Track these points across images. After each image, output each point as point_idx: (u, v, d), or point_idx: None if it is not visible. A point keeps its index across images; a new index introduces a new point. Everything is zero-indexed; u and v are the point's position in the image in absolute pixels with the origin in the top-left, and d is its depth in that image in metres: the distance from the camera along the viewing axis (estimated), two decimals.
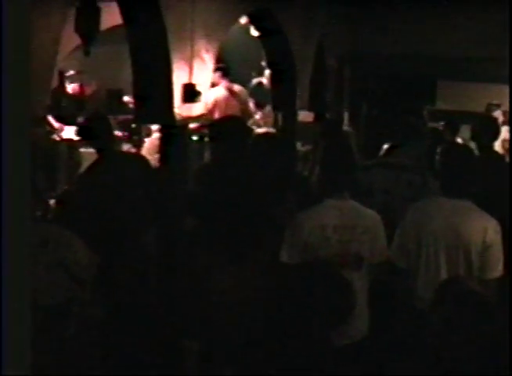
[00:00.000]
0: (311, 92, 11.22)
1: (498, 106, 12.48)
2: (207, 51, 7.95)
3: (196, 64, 7.70)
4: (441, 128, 8.92)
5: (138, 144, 9.20)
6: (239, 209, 4.90)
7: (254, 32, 9.83)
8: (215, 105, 9.55)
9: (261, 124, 10.37)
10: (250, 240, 4.92)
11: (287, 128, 10.19)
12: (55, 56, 5.89)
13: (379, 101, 14.01)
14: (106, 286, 4.97)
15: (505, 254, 4.52)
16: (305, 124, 10.43)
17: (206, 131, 7.66)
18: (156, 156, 7.50)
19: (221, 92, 9.81)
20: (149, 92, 7.20)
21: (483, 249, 4.46)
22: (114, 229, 5.65)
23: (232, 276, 4.79)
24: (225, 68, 9.88)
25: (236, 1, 8.61)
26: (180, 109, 7.38)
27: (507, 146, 10.07)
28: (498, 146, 8.76)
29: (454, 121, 9.14)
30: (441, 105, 14.22)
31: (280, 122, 10.37)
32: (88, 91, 10.61)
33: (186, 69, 7.52)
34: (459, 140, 8.75)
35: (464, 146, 5.40)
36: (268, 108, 10.64)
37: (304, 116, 10.86)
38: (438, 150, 4.82)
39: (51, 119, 8.93)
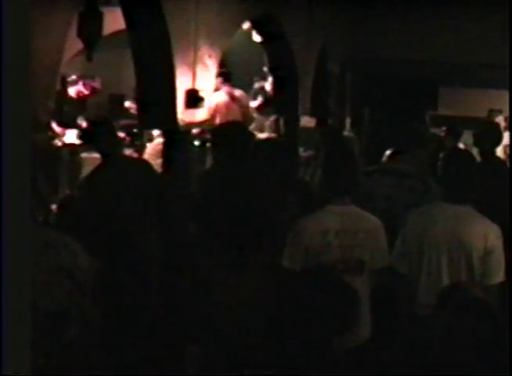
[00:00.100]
0: (313, 97, 11.23)
1: (500, 111, 12.50)
2: (210, 56, 7.97)
3: (199, 70, 7.71)
4: (443, 133, 8.92)
5: (140, 149, 9.20)
6: (241, 214, 4.90)
7: (257, 37, 9.85)
8: (216, 110, 9.56)
9: (263, 128, 10.39)
10: (251, 246, 4.92)
11: (289, 133, 10.20)
12: (59, 61, 5.89)
13: (381, 107, 14.01)
14: (108, 291, 4.97)
15: (506, 260, 4.52)
16: (307, 129, 10.44)
17: (208, 136, 7.66)
18: (158, 161, 7.50)
19: (222, 97, 9.82)
20: (152, 98, 7.20)
21: (484, 255, 4.46)
22: (118, 234, 5.66)
23: (234, 281, 4.79)
24: (226, 73, 9.89)
25: (239, 6, 8.62)
26: (183, 114, 7.39)
27: (509, 152, 10.08)
28: (500, 151, 8.76)
29: (456, 126, 9.14)
30: (443, 111, 14.23)
31: (282, 127, 10.38)
32: (96, 86, 10.55)
33: (189, 74, 7.53)
34: (462, 146, 8.74)
35: (466, 152, 5.40)
36: (271, 113, 10.66)
37: (306, 121, 10.87)
38: (440, 155, 4.83)
39: (54, 124, 8.94)
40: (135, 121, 8.70)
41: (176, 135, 7.35)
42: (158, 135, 8.65)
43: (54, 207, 6.23)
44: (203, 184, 5.43)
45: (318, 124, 10.92)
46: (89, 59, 7.03)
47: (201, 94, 7.60)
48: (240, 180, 5.04)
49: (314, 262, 4.39)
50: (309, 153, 8.87)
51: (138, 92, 7.39)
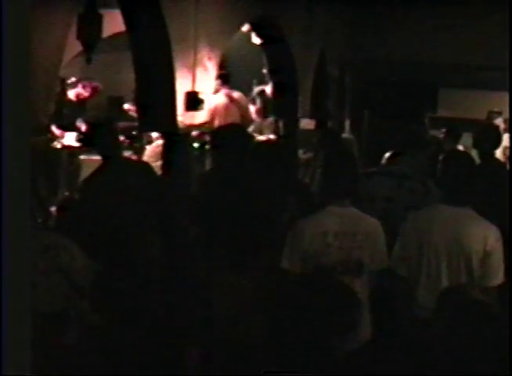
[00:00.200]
0: (312, 100, 11.23)
1: (499, 113, 12.50)
2: (210, 59, 7.97)
3: (199, 72, 7.72)
4: (442, 135, 8.92)
5: (140, 151, 9.20)
6: (241, 216, 4.90)
7: (256, 39, 9.85)
8: (215, 112, 9.56)
9: (262, 130, 10.38)
10: (251, 247, 4.92)
11: (289, 135, 10.20)
12: (59, 64, 5.89)
13: (380, 108, 14.00)
14: (108, 293, 4.97)
15: (506, 262, 4.52)
16: (307, 131, 10.44)
17: (207, 138, 7.66)
18: (157, 163, 7.50)
19: (221, 99, 9.82)
20: (152, 100, 7.20)
21: (484, 256, 4.46)
22: (118, 236, 5.65)
23: (234, 283, 4.79)
24: (225, 75, 9.89)
25: (238, 8, 8.63)
26: (183, 117, 7.39)
27: (508, 153, 10.07)
28: (499, 153, 8.76)
29: (456, 128, 9.14)
30: (442, 112, 14.23)
31: (282, 129, 10.38)
32: (96, 88, 10.55)
33: (189, 77, 7.54)
34: (461, 148, 8.75)
35: (465, 154, 5.40)
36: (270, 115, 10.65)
37: (306, 123, 10.87)
38: (440, 157, 4.83)
39: (53, 126, 8.94)
40: (135, 123, 8.71)
41: (176, 138, 7.35)
42: (157, 138, 8.66)
43: (53, 209, 6.23)
44: (203, 186, 5.43)
45: (317, 126, 10.92)
46: (89, 61, 7.04)
47: (201, 96, 7.60)
48: (240, 182, 5.04)
49: (313, 264, 4.39)
50: (309, 155, 8.89)
51: (138, 94, 7.40)
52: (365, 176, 5.81)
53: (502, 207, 5.64)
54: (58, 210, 6.16)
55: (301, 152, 9.55)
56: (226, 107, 9.77)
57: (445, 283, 4.43)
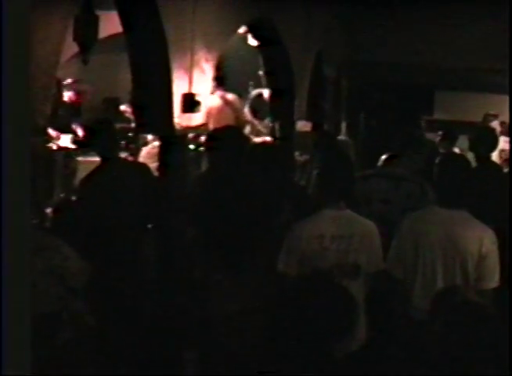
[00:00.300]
0: (309, 102, 11.23)
1: (495, 116, 12.51)
2: (207, 61, 7.96)
3: (196, 74, 7.71)
4: (438, 138, 8.93)
5: (135, 153, 9.19)
6: (237, 218, 4.90)
7: (253, 41, 9.84)
8: (210, 114, 9.55)
9: (259, 132, 10.38)
10: (247, 249, 4.92)
11: (285, 137, 10.19)
12: (57, 65, 5.88)
13: (377, 111, 14.02)
14: (102, 294, 4.97)
15: (502, 265, 4.52)
16: (303, 133, 10.43)
17: (203, 140, 7.65)
18: (153, 165, 7.49)
19: (215, 101, 9.80)
20: (149, 102, 7.19)
21: (479, 259, 4.46)
22: (115, 237, 5.65)
23: (230, 286, 4.79)
24: (220, 77, 9.88)
25: (235, 11, 8.62)
26: (179, 118, 7.38)
27: (505, 156, 10.09)
28: (495, 156, 8.77)
29: (452, 131, 9.15)
30: (439, 115, 14.24)
31: (278, 131, 10.37)
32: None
33: (186, 78, 7.53)
34: (457, 150, 8.75)
35: (461, 157, 5.41)
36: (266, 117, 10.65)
37: (302, 125, 10.87)
38: (436, 160, 4.83)
39: (49, 128, 8.94)
40: (131, 125, 8.70)
41: (172, 139, 7.34)
42: (153, 139, 8.64)
43: (49, 210, 6.21)
44: (199, 188, 5.43)
45: (314, 128, 10.91)
46: (85, 62, 7.03)
47: (198, 98, 7.59)
48: (236, 184, 5.03)
49: (310, 267, 4.39)
50: (305, 157, 8.88)
51: (134, 95, 7.38)
52: (362, 178, 5.81)
53: (499, 210, 5.64)
54: (54, 211, 6.14)
55: (297, 154, 9.54)
56: (221, 109, 9.76)
57: (440, 285, 4.43)
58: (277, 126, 10.39)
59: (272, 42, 9.80)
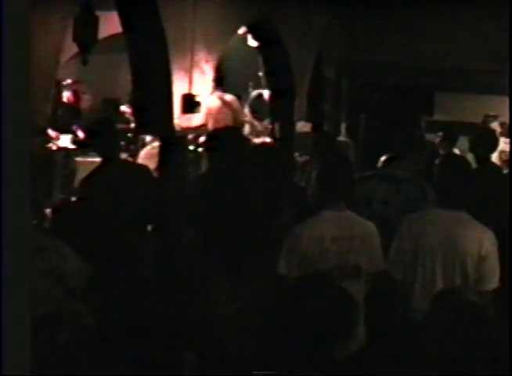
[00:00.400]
0: (309, 103, 11.22)
1: (495, 117, 12.51)
2: (207, 61, 7.95)
3: (196, 74, 7.70)
4: (438, 139, 8.93)
5: (134, 154, 9.19)
6: (236, 219, 4.90)
7: (253, 42, 9.84)
8: (208, 114, 9.55)
9: (259, 133, 10.37)
10: (247, 250, 4.92)
11: (285, 138, 10.19)
12: (57, 66, 5.88)
13: (377, 112, 14.02)
14: (102, 295, 4.96)
15: (501, 266, 4.52)
16: (303, 134, 10.43)
17: (203, 141, 7.65)
18: (152, 166, 7.48)
19: (214, 101, 9.80)
20: (149, 103, 7.19)
21: (479, 260, 4.46)
22: (115, 238, 5.65)
23: (230, 288, 4.78)
24: (219, 78, 9.87)
25: (235, 11, 8.62)
26: (179, 119, 7.37)
27: (504, 157, 10.08)
28: (495, 157, 8.77)
29: (452, 132, 9.14)
30: (439, 116, 14.23)
31: (277, 132, 10.37)
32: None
33: (186, 79, 7.52)
34: (457, 151, 8.75)
35: (461, 158, 5.41)
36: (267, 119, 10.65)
37: (302, 126, 10.86)
38: (436, 161, 4.83)
39: (48, 129, 8.94)
40: (130, 126, 8.69)
41: (172, 140, 7.33)
42: (152, 140, 8.63)
43: (48, 211, 6.21)
44: (199, 189, 5.43)
45: (313, 129, 10.91)
46: (84, 63, 7.02)
47: (198, 99, 7.59)
48: (235, 185, 5.03)
49: (311, 269, 4.38)
50: (305, 158, 8.88)
51: (134, 96, 7.37)
52: (362, 179, 5.81)
53: (499, 211, 5.64)
54: (53, 212, 6.14)
55: (296, 155, 9.54)
56: (219, 110, 9.76)
57: (440, 286, 4.43)
58: (277, 127, 10.39)
59: (271, 43, 9.79)
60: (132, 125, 8.16)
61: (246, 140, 6.19)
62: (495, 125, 11.85)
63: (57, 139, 9.13)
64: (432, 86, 14.39)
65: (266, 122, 10.64)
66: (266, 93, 10.41)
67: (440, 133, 8.94)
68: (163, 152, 7.33)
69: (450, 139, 8.86)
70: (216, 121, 9.27)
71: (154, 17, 6.88)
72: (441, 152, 8.18)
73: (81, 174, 7.03)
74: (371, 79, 13.62)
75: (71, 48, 7.35)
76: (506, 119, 11.69)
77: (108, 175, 5.86)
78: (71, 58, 8.97)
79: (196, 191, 5.45)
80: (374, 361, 4.30)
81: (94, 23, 6.96)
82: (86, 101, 10.85)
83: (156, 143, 7.85)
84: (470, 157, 6.30)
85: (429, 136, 9.86)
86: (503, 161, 9.80)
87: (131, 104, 8.17)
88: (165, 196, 6.34)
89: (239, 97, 10.32)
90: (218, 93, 9.87)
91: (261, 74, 10.36)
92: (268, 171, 5.32)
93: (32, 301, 3.31)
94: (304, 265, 4.43)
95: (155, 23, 6.91)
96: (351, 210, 4.67)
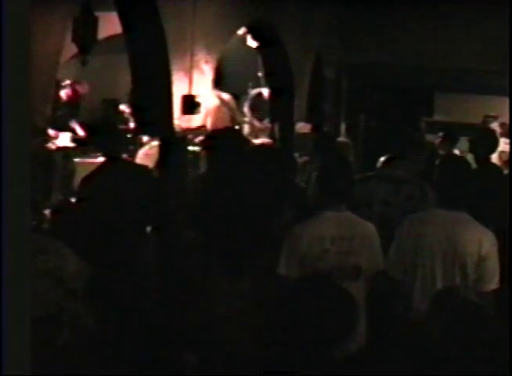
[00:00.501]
0: (308, 103, 11.23)
1: (495, 118, 12.52)
2: (207, 62, 7.96)
3: (196, 75, 7.71)
4: (438, 140, 8.93)
5: (133, 154, 9.19)
6: (236, 220, 4.89)
7: (252, 43, 9.84)
8: (207, 114, 9.55)
9: (258, 134, 10.37)
10: (247, 251, 4.91)
11: (284, 138, 10.19)
12: (57, 66, 5.88)
13: (377, 112, 14.03)
14: (102, 296, 4.96)
15: (502, 266, 4.51)
16: (302, 134, 10.43)
17: (202, 141, 7.64)
18: (151, 166, 7.48)
19: (212, 100, 9.80)
20: (148, 103, 7.19)
21: (479, 261, 4.45)
22: (115, 238, 5.64)
23: (230, 289, 4.78)
24: (217, 77, 9.87)
25: (235, 12, 8.62)
26: (179, 120, 7.38)
27: (505, 158, 10.08)
28: (495, 157, 8.77)
29: (452, 132, 9.14)
30: (438, 117, 14.24)
31: (277, 133, 10.37)
32: (82, 91, 10.58)
33: (186, 80, 7.53)
34: (457, 152, 8.75)
35: (461, 158, 5.41)
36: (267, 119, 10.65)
37: (301, 127, 10.87)
38: (436, 162, 4.83)
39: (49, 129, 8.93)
40: (129, 126, 8.69)
41: (172, 141, 7.34)
42: (150, 140, 8.63)
43: (48, 212, 6.20)
44: (198, 189, 5.43)
45: (313, 129, 10.91)
46: (84, 63, 7.03)
47: (197, 99, 7.59)
48: (235, 185, 5.03)
49: (311, 269, 4.38)
50: (304, 158, 8.88)
51: (134, 97, 7.38)
52: (361, 180, 5.81)
53: (499, 211, 5.64)
54: (53, 213, 6.13)
55: (296, 155, 9.54)
56: (217, 109, 9.76)
57: (440, 286, 4.43)
58: (276, 127, 10.40)
59: (271, 43, 9.80)
60: (131, 125, 8.17)
61: (246, 140, 6.18)
62: (495, 126, 11.85)
63: (56, 137, 9.12)
64: (432, 86, 14.40)
65: (266, 122, 10.64)
66: (266, 91, 10.41)
67: (440, 134, 8.94)
68: (162, 152, 7.33)
69: (450, 140, 8.86)
70: (215, 119, 9.27)
71: (154, 18, 6.89)
72: (441, 152, 8.18)
73: (80, 174, 7.03)
74: (371, 79, 13.63)
75: (71, 49, 7.35)
76: (506, 120, 11.70)
77: (111, 174, 5.86)
78: (71, 58, 8.97)
79: (196, 191, 5.44)
80: (374, 361, 4.30)
81: (93, 24, 6.97)
82: (84, 99, 10.84)
83: (155, 143, 7.85)
84: (470, 157, 6.29)
85: (429, 137, 9.88)
86: (503, 162, 9.80)
87: (131, 104, 8.17)
88: (165, 196, 6.34)
89: (237, 97, 10.33)
90: (216, 92, 9.88)
91: (260, 74, 10.37)
92: (268, 172, 5.32)
93: (32, 302, 3.31)
94: (304, 266, 4.43)
95: (155, 24, 6.92)
96: (351, 210, 4.67)
